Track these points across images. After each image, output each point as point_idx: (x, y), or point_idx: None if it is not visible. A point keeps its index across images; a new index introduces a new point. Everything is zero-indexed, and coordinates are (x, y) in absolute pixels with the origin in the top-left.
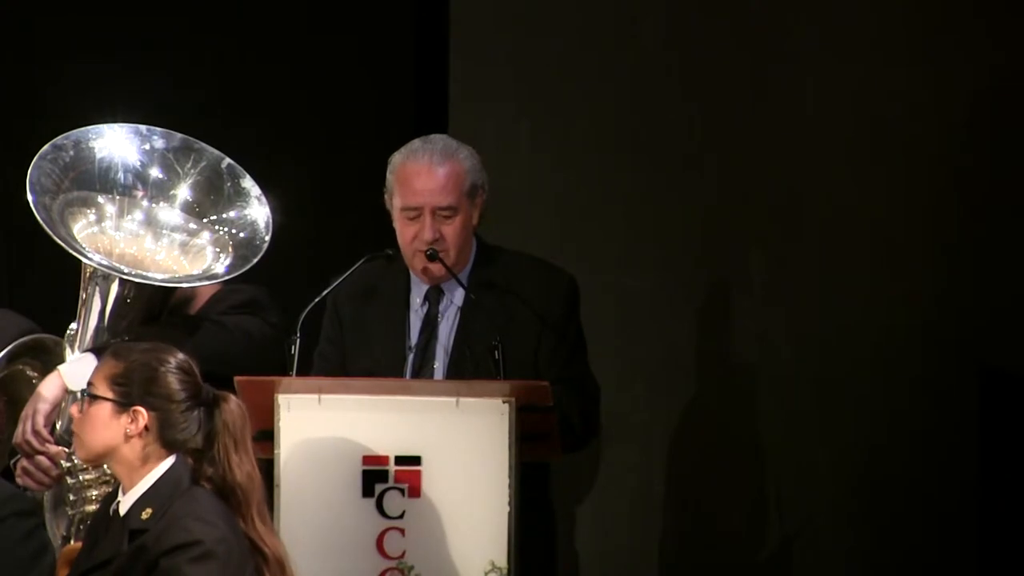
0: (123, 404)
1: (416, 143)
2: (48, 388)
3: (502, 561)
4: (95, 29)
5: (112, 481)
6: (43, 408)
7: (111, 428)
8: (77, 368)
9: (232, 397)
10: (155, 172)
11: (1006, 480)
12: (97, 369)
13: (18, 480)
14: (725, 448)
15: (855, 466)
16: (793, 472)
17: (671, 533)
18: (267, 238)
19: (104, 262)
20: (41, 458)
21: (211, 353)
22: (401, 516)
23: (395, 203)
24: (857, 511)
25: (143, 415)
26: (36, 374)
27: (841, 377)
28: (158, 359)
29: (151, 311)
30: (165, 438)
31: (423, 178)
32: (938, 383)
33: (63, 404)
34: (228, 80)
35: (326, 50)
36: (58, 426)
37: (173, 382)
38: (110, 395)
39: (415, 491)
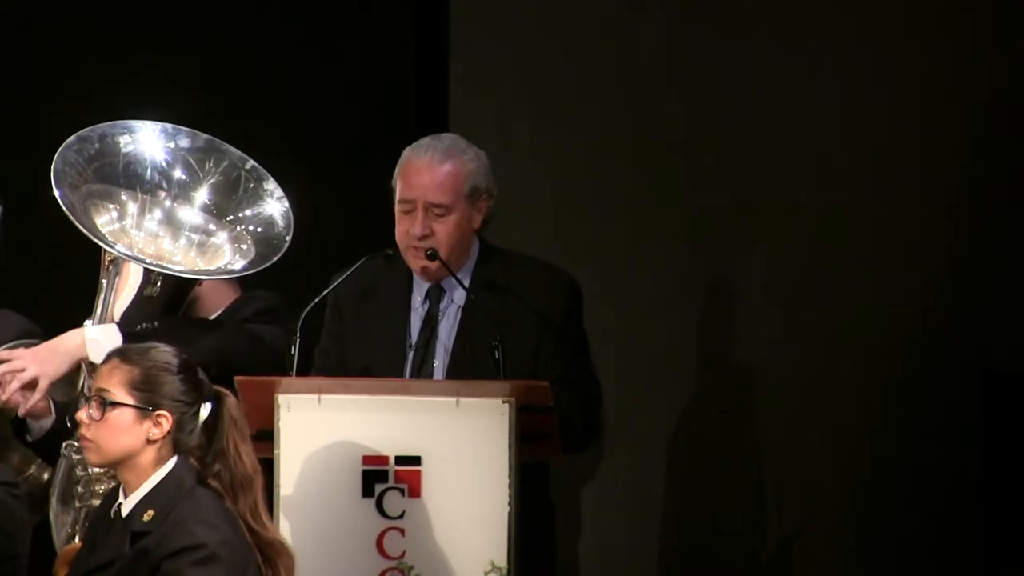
0: (147, 409)
1: (426, 139)
2: (68, 344)
3: (502, 561)
4: (95, 29)
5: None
6: (50, 372)
7: (132, 434)
8: (102, 336)
9: (227, 391)
10: (178, 172)
11: (1006, 480)
12: (106, 375)
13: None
14: (725, 448)
15: (855, 466)
16: (793, 472)
17: (671, 533)
18: (287, 238)
19: (127, 252)
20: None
21: (236, 358)
22: (401, 516)
23: (396, 195)
24: (857, 511)
25: (167, 419)
26: None
27: (841, 377)
28: (168, 361)
29: (172, 310)
30: (177, 440)
31: (422, 174)
32: (938, 383)
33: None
34: (228, 80)
35: (326, 50)
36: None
37: (185, 383)
38: (131, 400)
39: (415, 491)
